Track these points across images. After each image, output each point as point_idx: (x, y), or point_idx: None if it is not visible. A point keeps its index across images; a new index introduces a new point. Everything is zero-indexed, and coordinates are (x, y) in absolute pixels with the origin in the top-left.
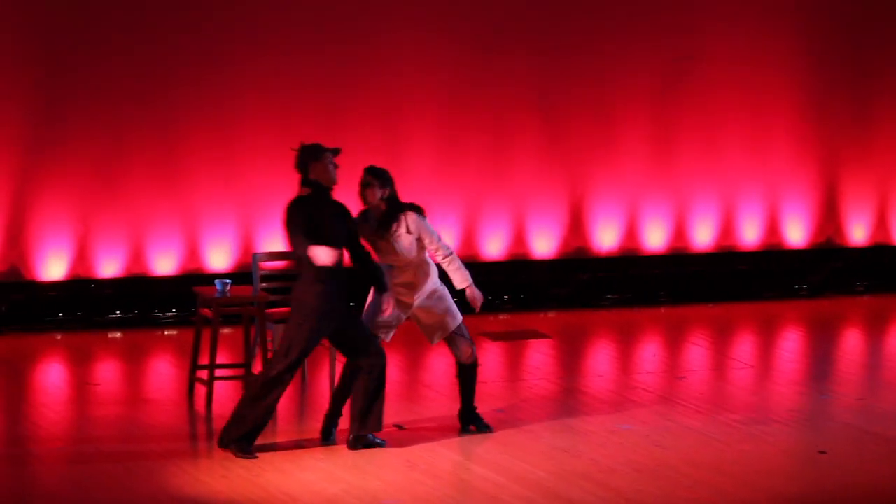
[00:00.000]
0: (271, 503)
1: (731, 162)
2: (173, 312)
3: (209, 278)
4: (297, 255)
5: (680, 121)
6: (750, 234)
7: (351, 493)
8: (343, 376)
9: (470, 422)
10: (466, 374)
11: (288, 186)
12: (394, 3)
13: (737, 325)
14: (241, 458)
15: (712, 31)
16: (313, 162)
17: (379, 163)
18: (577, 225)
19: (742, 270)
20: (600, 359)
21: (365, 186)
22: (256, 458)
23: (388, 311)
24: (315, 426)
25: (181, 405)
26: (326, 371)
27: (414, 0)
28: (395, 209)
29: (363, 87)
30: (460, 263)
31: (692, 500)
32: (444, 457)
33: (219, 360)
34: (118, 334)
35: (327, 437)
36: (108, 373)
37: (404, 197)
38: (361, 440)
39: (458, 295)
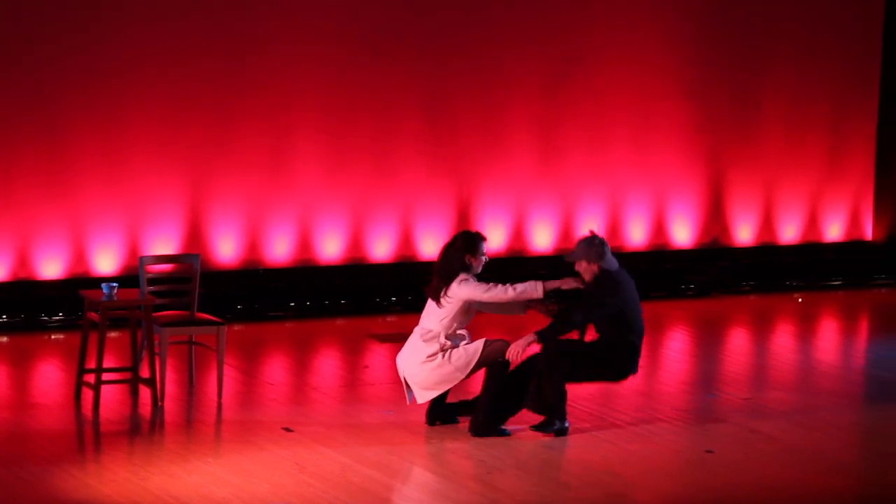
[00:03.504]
0: None
1: (618, 163)
2: (60, 316)
3: (96, 282)
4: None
5: (566, 122)
6: (637, 235)
7: (239, 496)
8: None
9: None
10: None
11: (174, 190)
12: (280, 7)
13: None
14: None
15: (598, 33)
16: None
17: (266, 167)
18: (464, 226)
19: (628, 270)
20: None
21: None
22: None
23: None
24: (204, 430)
25: (68, 409)
26: (214, 375)
27: (300, 4)
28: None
29: (250, 92)
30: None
31: (580, 501)
32: (332, 459)
33: (106, 364)
34: (4, 338)
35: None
36: None
37: (288, 198)
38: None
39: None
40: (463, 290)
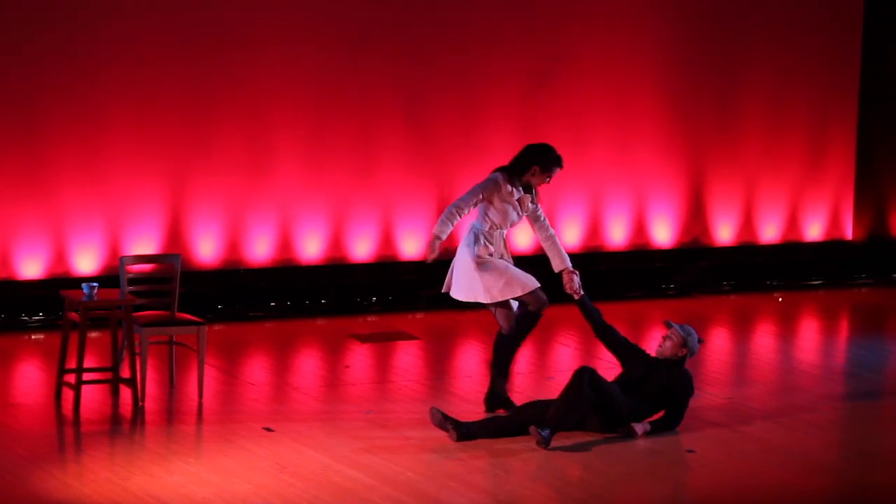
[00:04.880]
0: None
1: (598, 162)
2: (40, 316)
3: (76, 282)
4: None
5: (547, 122)
6: (617, 235)
7: (220, 496)
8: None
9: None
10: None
11: (155, 190)
12: (260, 7)
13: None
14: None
15: (579, 33)
16: None
17: (246, 167)
18: None
19: (609, 270)
20: (469, 360)
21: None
22: None
23: None
24: (184, 430)
25: (49, 409)
26: (194, 375)
27: (280, 4)
28: None
29: (230, 92)
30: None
31: (561, 501)
32: (313, 459)
33: (86, 364)
34: None
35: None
36: None
37: (268, 198)
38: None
39: None
40: (482, 182)
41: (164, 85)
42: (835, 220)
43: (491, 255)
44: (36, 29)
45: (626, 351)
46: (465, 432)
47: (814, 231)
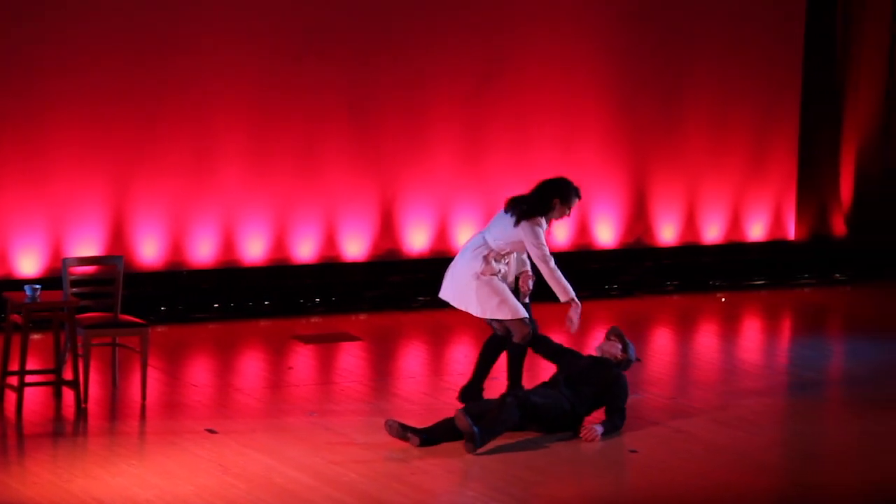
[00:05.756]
0: None
1: (542, 163)
2: None
3: (18, 284)
4: None
5: (490, 122)
6: (560, 235)
7: (163, 498)
8: None
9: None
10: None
11: (97, 191)
12: (203, 8)
13: (548, 325)
14: None
15: (522, 33)
16: None
17: (189, 169)
18: (388, 227)
19: None
20: (412, 360)
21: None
22: None
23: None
24: (127, 431)
25: None
26: (137, 377)
27: (225, 7)
28: None
29: (173, 93)
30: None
31: (503, 500)
32: (256, 460)
33: (29, 366)
34: None
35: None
36: None
37: (211, 199)
38: None
39: None
40: (526, 230)
41: (108, 86)
42: (777, 221)
43: (494, 274)
44: None
45: (561, 358)
46: (426, 438)
47: (756, 231)
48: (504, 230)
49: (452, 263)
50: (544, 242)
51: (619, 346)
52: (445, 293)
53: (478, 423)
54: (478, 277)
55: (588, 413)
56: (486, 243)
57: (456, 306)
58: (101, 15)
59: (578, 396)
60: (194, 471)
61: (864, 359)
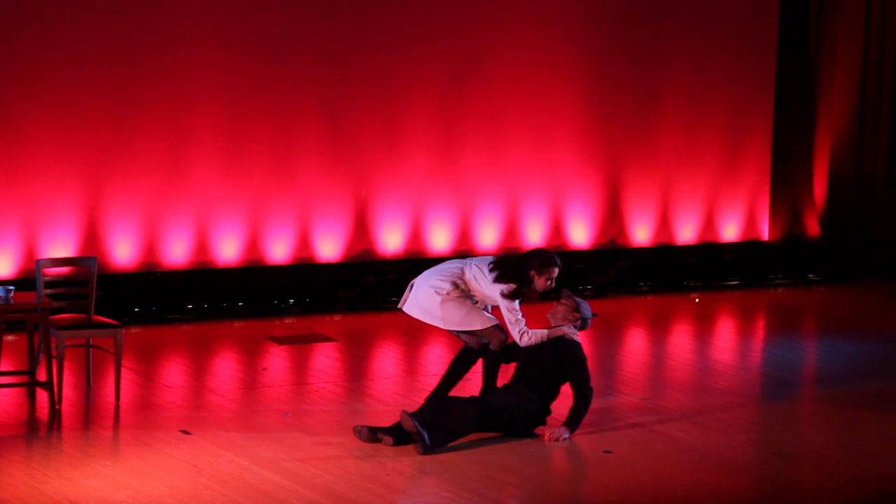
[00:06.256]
0: None
1: (516, 163)
2: None
3: None
4: None
5: (464, 122)
6: (534, 235)
7: (137, 499)
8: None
9: None
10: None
11: (71, 192)
12: (178, 10)
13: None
14: None
15: (496, 33)
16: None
17: (163, 170)
18: (362, 228)
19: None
20: (386, 361)
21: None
22: None
23: None
24: (101, 433)
25: None
26: (111, 378)
27: (199, 9)
28: None
29: (147, 94)
30: None
31: (476, 501)
32: (230, 462)
33: (2, 368)
34: None
35: None
36: None
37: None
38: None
39: None
40: (499, 298)
41: (82, 87)
42: (751, 221)
43: (458, 297)
44: None
45: (511, 348)
46: (398, 436)
47: (730, 231)
48: (485, 280)
49: (419, 279)
50: (518, 310)
51: (571, 305)
52: (411, 308)
53: (440, 422)
54: (442, 296)
55: (553, 397)
56: (463, 276)
57: (420, 319)
58: (75, 17)
59: (535, 385)
60: (168, 472)
61: (837, 359)
